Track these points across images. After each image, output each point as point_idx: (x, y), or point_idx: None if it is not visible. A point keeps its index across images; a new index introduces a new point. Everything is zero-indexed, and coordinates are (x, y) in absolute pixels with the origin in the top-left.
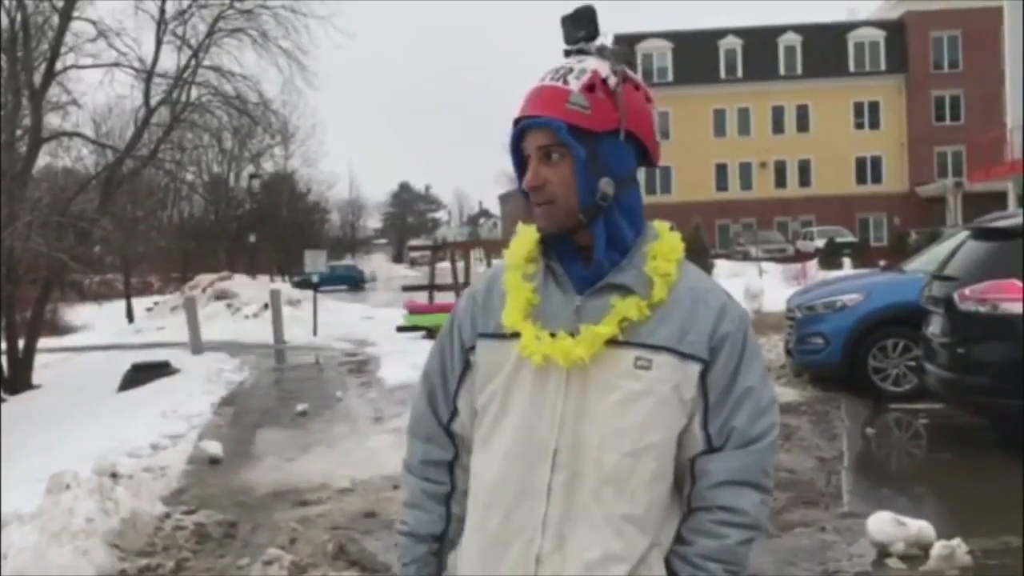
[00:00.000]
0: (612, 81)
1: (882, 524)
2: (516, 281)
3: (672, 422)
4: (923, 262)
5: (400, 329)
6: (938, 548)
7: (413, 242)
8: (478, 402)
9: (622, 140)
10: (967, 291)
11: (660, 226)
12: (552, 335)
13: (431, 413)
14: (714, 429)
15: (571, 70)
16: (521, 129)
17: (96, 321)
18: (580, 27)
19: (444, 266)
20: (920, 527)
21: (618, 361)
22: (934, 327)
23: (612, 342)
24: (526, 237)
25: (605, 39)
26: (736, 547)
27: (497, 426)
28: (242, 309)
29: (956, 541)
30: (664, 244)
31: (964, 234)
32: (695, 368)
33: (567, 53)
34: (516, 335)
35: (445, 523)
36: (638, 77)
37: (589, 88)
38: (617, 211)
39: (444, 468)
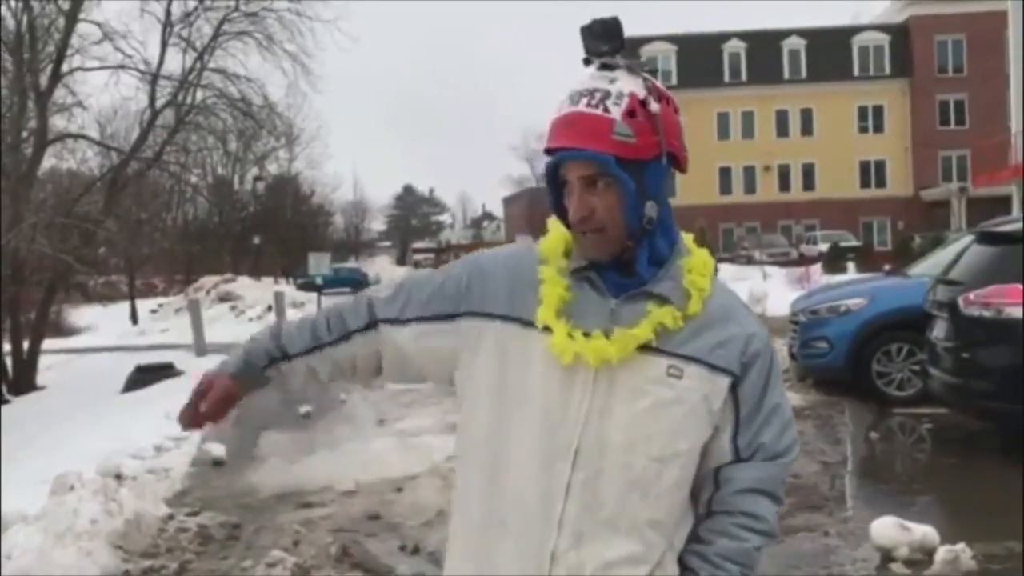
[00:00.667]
0: (654, 106)
1: (886, 529)
2: (552, 276)
3: (699, 432)
4: (927, 266)
5: None
6: (942, 553)
7: (417, 244)
8: (480, 381)
9: (664, 163)
10: (971, 295)
11: (687, 239)
12: (586, 334)
13: (375, 300)
14: (743, 443)
15: (608, 94)
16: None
17: (100, 323)
18: (605, 41)
19: None
20: (924, 532)
21: (650, 367)
22: (938, 331)
23: (645, 348)
24: (560, 231)
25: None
26: (753, 551)
27: (511, 418)
28: (246, 311)
29: (960, 546)
30: (697, 259)
31: (968, 238)
32: (725, 381)
33: (587, 62)
34: (545, 329)
35: (292, 352)
36: (664, 87)
37: (630, 114)
38: (658, 229)
39: (340, 327)
